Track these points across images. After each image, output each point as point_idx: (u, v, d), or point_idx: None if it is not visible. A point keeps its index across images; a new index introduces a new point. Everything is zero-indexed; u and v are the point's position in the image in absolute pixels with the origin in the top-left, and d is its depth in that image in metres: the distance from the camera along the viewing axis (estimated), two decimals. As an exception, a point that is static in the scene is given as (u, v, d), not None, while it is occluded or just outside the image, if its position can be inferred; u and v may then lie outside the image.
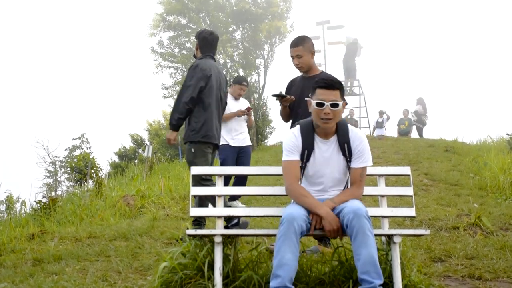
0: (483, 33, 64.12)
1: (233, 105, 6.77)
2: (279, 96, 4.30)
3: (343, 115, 18.99)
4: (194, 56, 5.12)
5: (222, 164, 6.89)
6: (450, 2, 62.98)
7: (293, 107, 4.39)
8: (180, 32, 25.80)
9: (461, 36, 65.12)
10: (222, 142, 6.98)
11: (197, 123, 4.77)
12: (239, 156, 6.85)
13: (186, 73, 4.85)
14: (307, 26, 64.61)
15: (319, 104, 3.14)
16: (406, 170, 3.56)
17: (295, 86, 4.45)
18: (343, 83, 16.24)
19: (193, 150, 4.76)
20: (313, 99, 3.21)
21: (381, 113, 18.95)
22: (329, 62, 18.77)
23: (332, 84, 3.19)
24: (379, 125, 18.69)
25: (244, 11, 24.60)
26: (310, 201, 3.09)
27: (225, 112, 6.70)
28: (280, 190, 3.55)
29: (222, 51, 25.06)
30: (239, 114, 6.78)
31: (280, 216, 3.10)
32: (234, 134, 6.81)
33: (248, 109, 6.80)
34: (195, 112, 4.79)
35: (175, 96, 26.50)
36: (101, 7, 61.10)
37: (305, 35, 4.42)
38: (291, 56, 4.35)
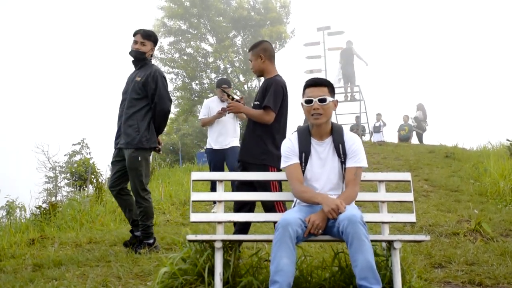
0: (482, 39, 64.29)
1: (218, 108, 6.88)
2: (227, 95, 4.36)
3: (350, 124, 18.81)
4: (141, 53, 4.84)
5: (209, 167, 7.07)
6: (450, 8, 63.18)
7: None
8: (180, 38, 25.87)
9: (461, 42, 65.29)
10: (207, 146, 7.14)
11: (148, 131, 4.77)
12: (225, 158, 6.92)
13: (153, 78, 4.76)
14: (307, 31, 64.87)
15: (308, 101, 3.26)
16: (406, 176, 3.57)
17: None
18: (342, 89, 16.04)
19: (140, 158, 4.72)
20: (303, 98, 3.32)
21: (378, 117, 18.89)
22: (329, 68, 18.73)
23: (318, 81, 3.34)
24: (377, 129, 18.65)
25: (244, 17, 24.68)
26: (309, 194, 3.17)
27: (210, 115, 6.92)
28: (280, 195, 3.55)
29: (223, 57, 25.12)
30: (217, 116, 6.84)
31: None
32: (217, 137, 6.92)
33: (222, 109, 6.77)
34: (149, 119, 4.78)
35: (176, 102, 26.59)
36: (102, 12, 61.32)
37: (262, 40, 4.46)
38: None
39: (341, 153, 3.28)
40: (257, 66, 4.29)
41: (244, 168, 4.07)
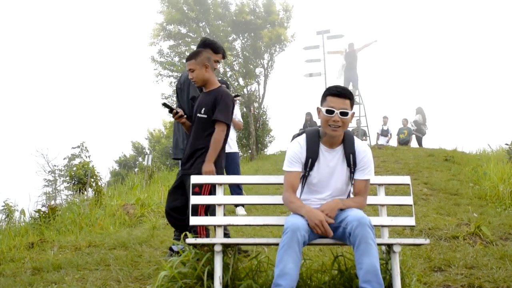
0: (482, 43, 64.42)
1: None
2: (166, 107, 4.18)
3: (351, 128, 18.77)
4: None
5: None
6: (450, 12, 63.34)
7: (192, 123, 4.23)
8: (180, 42, 25.88)
9: (461, 45, 65.42)
10: None
11: None
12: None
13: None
14: (307, 35, 64.96)
15: (329, 111, 3.16)
16: (406, 179, 3.58)
17: (197, 101, 4.29)
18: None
19: None
20: (323, 106, 3.22)
21: (385, 120, 18.72)
22: (329, 71, 18.79)
23: (343, 92, 3.22)
24: (384, 133, 18.55)
25: (244, 21, 24.72)
26: (295, 205, 3.15)
27: None
28: (280, 199, 3.55)
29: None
30: None
31: (280, 225, 3.10)
32: None
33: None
34: None
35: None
36: (102, 16, 61.40)
37: (203, 49, 4.36)
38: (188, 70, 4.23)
39: (351, 163, 3.24)
40: (201, 76, 4.14)
41: (184, 180, 4.11)
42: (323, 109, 3.19)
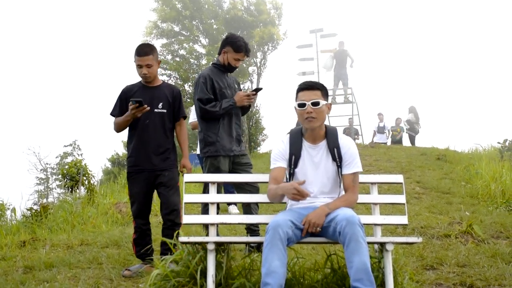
0: (474, 43, 64.77)
1: None
2: (136, 103, 3.96)
3: (343, 127, 18.68)
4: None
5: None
6: (442, 12, 63.60)
7: (142, 118, 4.09)
8: (173, 40, 25.81)
9: (453, 45, 65.74)
10: (198, 152, 7.00)
11: None
12: None
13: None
14: (300, 34, 64.95)
15: (301, 105, 3.24)
16: (398, 178, 3.59)
17: (137, 95, 4.11)
18: (331, 90, 16.03)
19: None
20: (296, 102, 3.30)
21: (381, 117, 18.71)
22: (322, 70, 18.77)
23: (311, 84, 3.32)
24: (381, 130, 18.55)
25: (237, 18, 24.69)
26: (272, 191, 3.20)
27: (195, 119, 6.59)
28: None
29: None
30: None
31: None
32: None
33: None
34: None
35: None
36: (94, 14, 61.06)
37: (150, 43, 4.33)
38: (139, 65, 4.07)
39: (337, 157, 3.27)
40: (155, 72, 4.14)
41: (156, 176, 4.21)
42: (296, 104, 3.27)
